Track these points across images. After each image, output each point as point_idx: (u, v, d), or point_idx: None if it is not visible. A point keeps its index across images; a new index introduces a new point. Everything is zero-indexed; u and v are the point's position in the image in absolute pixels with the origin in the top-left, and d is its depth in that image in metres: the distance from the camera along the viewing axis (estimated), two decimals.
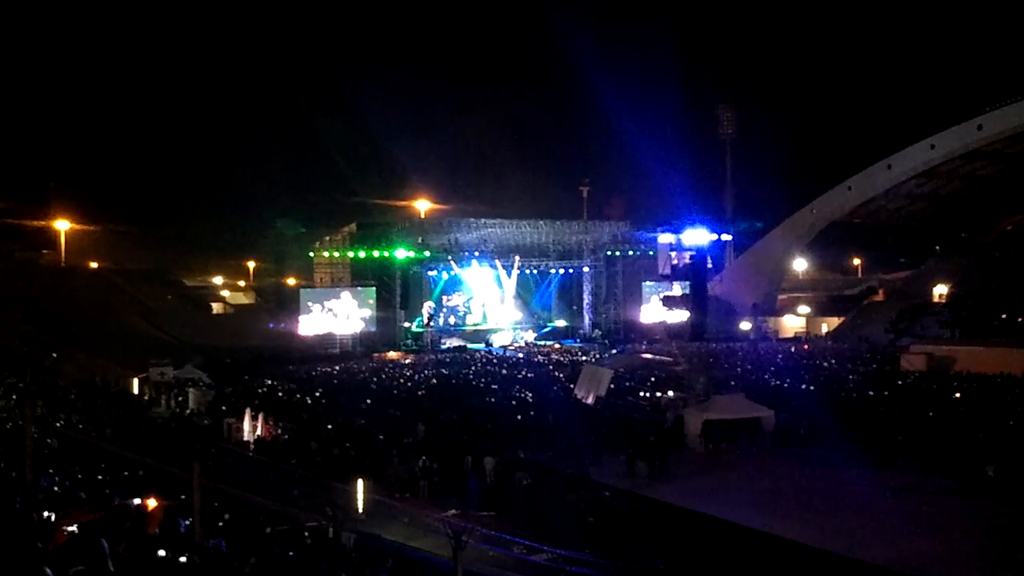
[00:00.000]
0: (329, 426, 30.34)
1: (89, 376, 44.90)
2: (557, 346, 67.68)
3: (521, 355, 59.66)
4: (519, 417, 31.69)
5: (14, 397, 30.57)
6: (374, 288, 67.75)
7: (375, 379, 45.77)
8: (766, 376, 41.96)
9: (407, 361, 58.86)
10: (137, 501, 15.38)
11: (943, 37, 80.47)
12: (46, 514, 9.99)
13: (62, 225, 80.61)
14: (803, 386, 37.52)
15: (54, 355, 49.70)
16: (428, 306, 72.61)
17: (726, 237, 75.88)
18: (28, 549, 7.50)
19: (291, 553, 15.02)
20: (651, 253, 74.11)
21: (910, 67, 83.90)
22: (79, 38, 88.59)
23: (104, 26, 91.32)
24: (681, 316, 69.97)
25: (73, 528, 8.36)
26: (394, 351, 65.51)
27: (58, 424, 29.45)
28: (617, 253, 76.29)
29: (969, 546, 17.76)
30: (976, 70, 75.08)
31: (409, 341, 69.50)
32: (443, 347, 68.14)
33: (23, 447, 16.23)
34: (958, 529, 18.79)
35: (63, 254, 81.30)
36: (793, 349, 58.54)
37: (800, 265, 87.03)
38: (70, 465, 21.64)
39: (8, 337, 50.38)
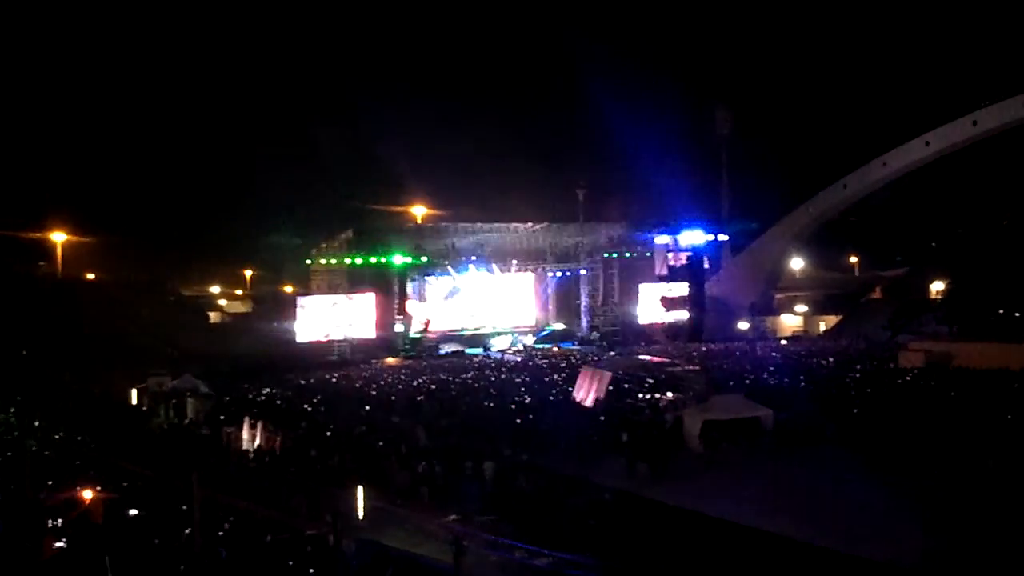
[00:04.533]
0: (328, 433, 30.29)
1: (88, 387, 44.84)
2: (555, 349, 67.61)
3: (519, 359, 59.60)
4: (518, 421, 31.66)
5: (12, 410, 30.55)
6: (371, 295, 67.67)
7: (374, 385, 45.69)
8: (764, 375, 41.95)
9: (405, 367, 58.76)
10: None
11: (938, 33, 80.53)
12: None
13: (58, 237, 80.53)
14: (802, 384, 37.51)
15: (52, 368, 49.65)
16: (425, 312, 72.57)
17: (723, 237, 75.84)
18: (25, 561, 7.49)
19: (291, 562, 15.00)
20: (648, 254, 74.15)
21: (904, 64, 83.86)
22: (73, 48, 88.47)
23: (99, 35, 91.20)
24: (679, 317, 70.16)
25: (62, 544, 8.34)
26: (392, 357, 65.46)
27: (56, 436, 29.41)
28: (614, 255, 76.15)
29: (968, 543, 17.74)
30: (971, 67, 75.11)
31: (407, 347, 69.42)
32: (441, 352, 68.14)
33: (23, 460, 16.21)
34: (957, 526, 18.76)
35: (60, 266, 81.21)
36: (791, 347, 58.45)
37: (797, 264, 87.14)
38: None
39: (6, 349, 50.34)
